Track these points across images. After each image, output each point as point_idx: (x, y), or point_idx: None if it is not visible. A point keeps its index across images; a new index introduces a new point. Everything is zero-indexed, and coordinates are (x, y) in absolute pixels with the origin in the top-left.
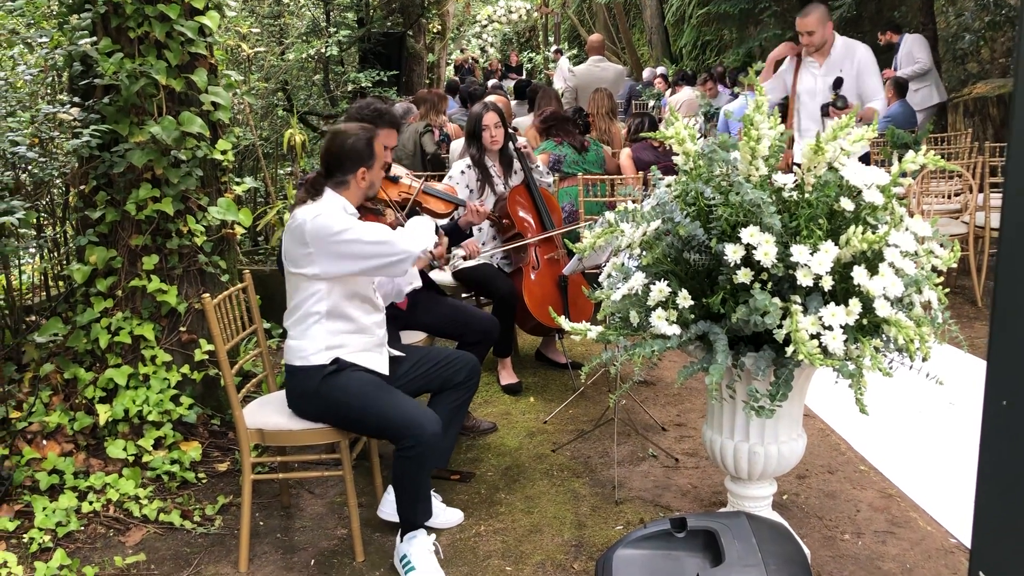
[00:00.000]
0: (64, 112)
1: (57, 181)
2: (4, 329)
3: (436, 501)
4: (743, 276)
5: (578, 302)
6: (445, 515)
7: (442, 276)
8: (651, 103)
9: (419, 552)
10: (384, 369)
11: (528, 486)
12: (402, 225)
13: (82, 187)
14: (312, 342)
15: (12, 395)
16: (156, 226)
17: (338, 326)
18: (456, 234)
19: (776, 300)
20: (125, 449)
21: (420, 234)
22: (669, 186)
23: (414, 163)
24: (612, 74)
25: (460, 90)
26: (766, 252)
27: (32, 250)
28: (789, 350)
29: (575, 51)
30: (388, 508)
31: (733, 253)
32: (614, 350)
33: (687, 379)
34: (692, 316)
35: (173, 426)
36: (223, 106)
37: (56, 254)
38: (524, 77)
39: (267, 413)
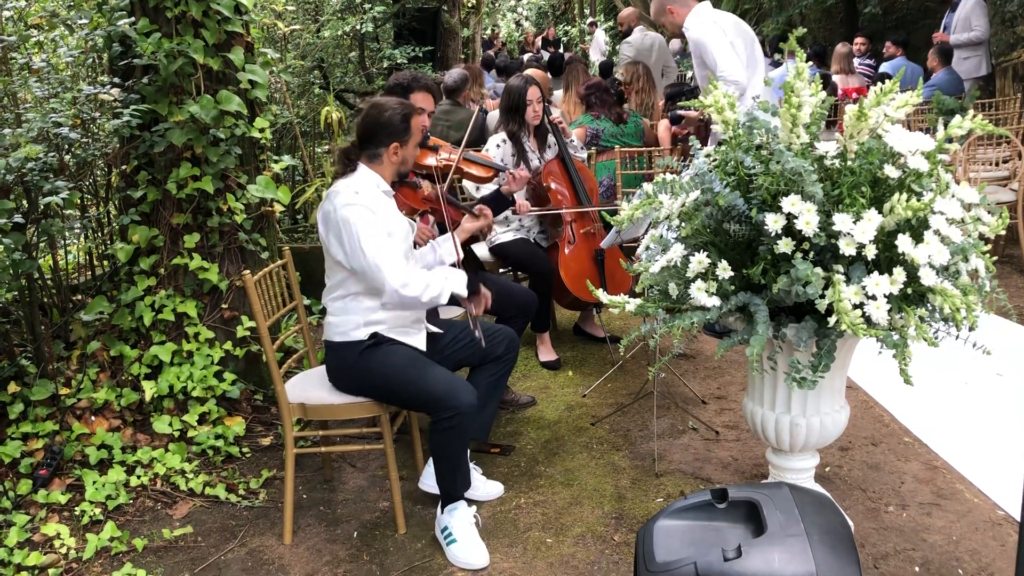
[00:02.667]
0: (104, 93)
1: (99, 161)
2: (52, 308)
3: (476, 474)
4: (784, 246)
5: (615, 276)
6: (485, 488)
7: (480, 251)
8: (688, 73)
9: (460, 523)
10: (422, 345)
11: (568, 459)
12: (440, 196)
13: (123, 167)
14: (350, 318)
15: (61, 372)
16: (196, 205)
17: (375, 303)
18: (499, 202)
19: (818, 270)
20: (171, 424)
21: (432, 281)
22: (708, 156)
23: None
24: (659, 42)
25: (496, 63)
26: (808, 221)
27: (77, 230)
28: (831, 320)
29: (611, 23)
30: (429, 480)
31: (774, 223)
32: (653, 323)
33: (727, 351)
34: (732, 287)
35: (217, 402)
36: (260, 84)
37: (100, 234)
38: (559, 51)
39: (309, 388)
